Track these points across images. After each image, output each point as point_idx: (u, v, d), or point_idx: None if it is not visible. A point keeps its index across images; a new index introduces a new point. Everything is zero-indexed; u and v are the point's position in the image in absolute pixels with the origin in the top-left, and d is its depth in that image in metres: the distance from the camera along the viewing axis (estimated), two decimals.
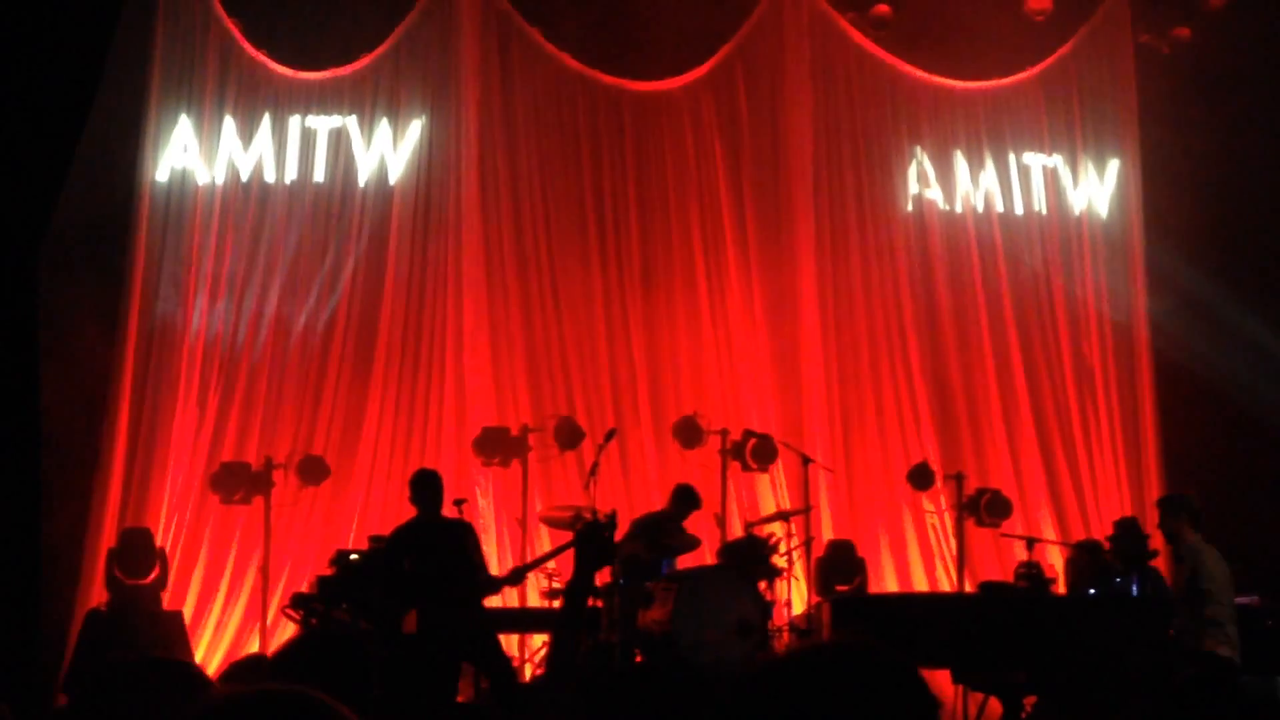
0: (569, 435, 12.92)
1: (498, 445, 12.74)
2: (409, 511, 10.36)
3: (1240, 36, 13.53)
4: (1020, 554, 11.80)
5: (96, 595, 11.72)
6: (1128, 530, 11.17)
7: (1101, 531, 13.12)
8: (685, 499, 11.51)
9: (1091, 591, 11.41)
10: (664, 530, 11.25)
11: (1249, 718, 3.58)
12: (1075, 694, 9.07)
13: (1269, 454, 12.89)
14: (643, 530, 11.14)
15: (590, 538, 3.79)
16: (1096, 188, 14.54)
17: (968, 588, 12.53)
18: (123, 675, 2.96)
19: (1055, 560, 12.93)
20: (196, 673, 3.17)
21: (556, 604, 11.26)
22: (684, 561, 11.27)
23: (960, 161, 14.38)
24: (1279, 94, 13.33)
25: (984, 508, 13.08)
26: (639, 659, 10.41)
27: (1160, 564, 11.09)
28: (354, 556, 10.79)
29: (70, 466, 11.68)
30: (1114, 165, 14.57)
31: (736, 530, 12.11)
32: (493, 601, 10.25)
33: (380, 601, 9.44)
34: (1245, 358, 13.30)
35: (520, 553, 12.07)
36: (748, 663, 10.11)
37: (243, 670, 4.66)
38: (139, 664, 3.00)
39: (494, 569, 10.94)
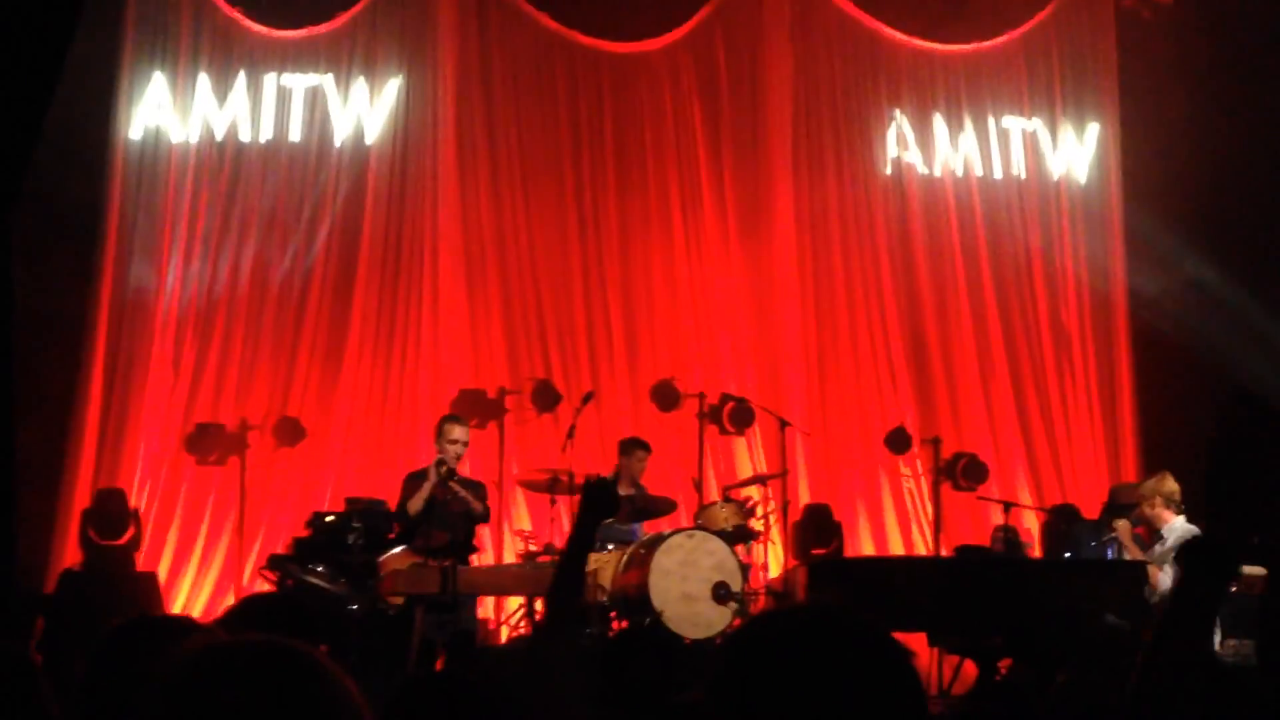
0: (546, 398, 12.91)
1: (474, 407, 12.72)
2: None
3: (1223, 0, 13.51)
4: (997, 518, 11.84)
5: (70, 556, 11.67)
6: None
7: (1077, 497, 13.18)
8: (622, 450, 11.58)
9: (1067, 555, 11.47)
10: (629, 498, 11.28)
11: (1224, 681, 3.57)
12: (1051, 657, 9.10)
13: (1246, 420, 12.92)
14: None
15: (596, 492, 3.81)
16: (1076, 152, 14.51)
17: (944, 551, 12.56)
18: (131, 635, 2.94)
19: (1031, 524, 12.97)
20: (195, 625, 3.16)
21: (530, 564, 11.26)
22: (658, 525, 11.25)
23: (940, 125, 14.33)
24: (1261, 59, 13.29)
25: (961, 472, 13.11)
26: (616, 622, 10.44)
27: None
28: (330, 518, 10.79)
29: (44, 427, 11.61)
30: (1093, 129, 14.54)
31: (713, 494, 12.11)
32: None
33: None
34: (1223, 324, 13.31)
35: (496, 516, 12.04)
36: (724, 626, 10.15)
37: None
38: (142, 623, 2.98)
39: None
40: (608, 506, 3.83)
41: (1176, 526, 9.53)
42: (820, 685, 1.90)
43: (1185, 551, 3.33)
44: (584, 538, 3.73)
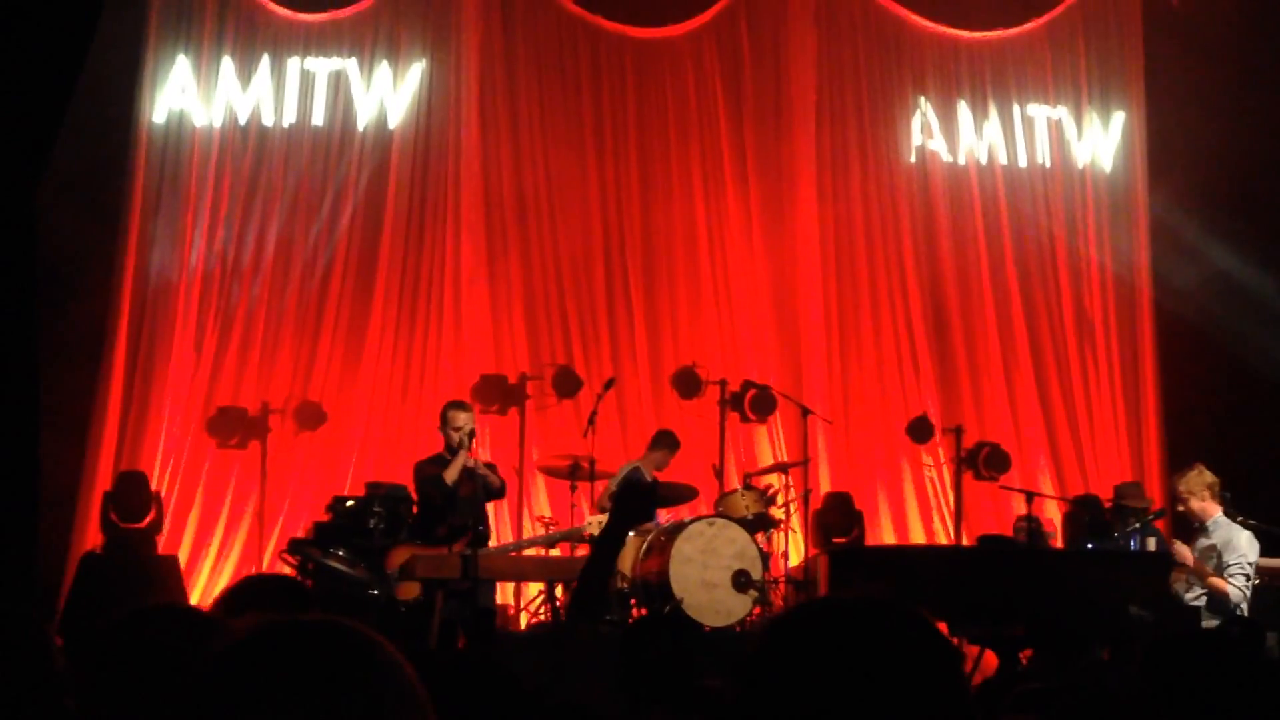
0: (567, 384, 12.89)
1: (496, 393, 12.71)
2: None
3: None
4: (1019, 508, 11.78)
5: (91, 538, 11.70)
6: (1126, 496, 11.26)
7: (1100, 487, 13.12)
8: (660, 442, 11.59)
9: (1089, 546, 11.41)
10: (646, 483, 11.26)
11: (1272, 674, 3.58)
12: (1072, 648, 9.07)
13: (1270, 408, 12.84)
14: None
15: (634, 494, 3.83)
16: (1101, 140, 14.44)
17: (965, 541, 12.52)
18: (137, 624, 2.91)
19: (1054, 515, 12.93)
20: (205, 617, 3.14)
21: (554, 552, 11.26)
22: (678, 512, 11.23)
23: (964, 112, 14.27)
24: None
25: (983, 461, 13.06)
26: (635, 609, 10.42)
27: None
28: (350, 503, 10.78)
29: (67, 409, 11.63)
30: (1119, 118, 14.46)
31: (734, 481, 12.09)
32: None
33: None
34: (1247, 312, 13.24)
35: (517, 502, 12.05)
36: (744, 614, 10.12)
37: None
38: (151, 611, 2.96)
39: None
40: (642, 511, 3.86)
41: (1221, 521, 9.45)
42: (863, 677, 1.86)
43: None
44: (617, 536, 3.74)
